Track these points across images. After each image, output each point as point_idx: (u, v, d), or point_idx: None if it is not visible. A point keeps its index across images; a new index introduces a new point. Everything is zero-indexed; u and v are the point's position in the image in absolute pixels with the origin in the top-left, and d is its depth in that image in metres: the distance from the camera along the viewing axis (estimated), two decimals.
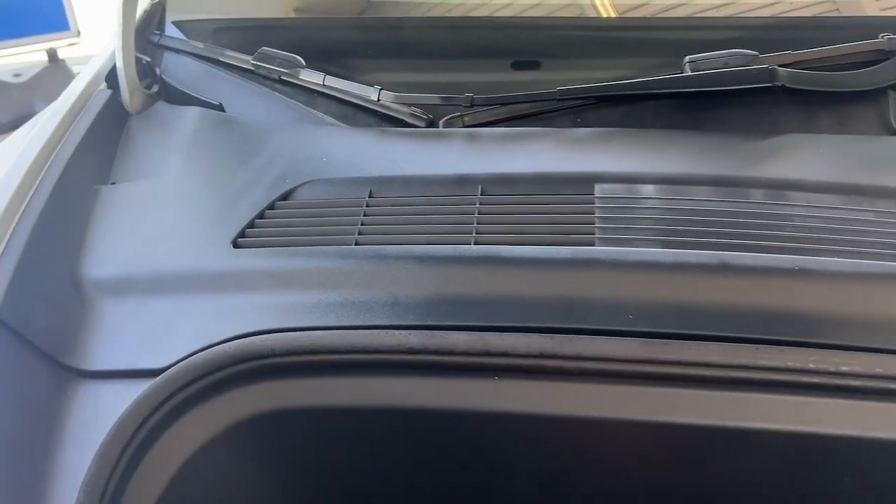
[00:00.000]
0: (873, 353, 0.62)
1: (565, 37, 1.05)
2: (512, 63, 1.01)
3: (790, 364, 0.62)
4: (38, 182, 0.81)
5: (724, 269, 0.68)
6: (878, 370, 0.62)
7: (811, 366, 0.62)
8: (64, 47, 3.58)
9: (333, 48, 1.04)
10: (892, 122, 0.84)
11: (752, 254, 0.69)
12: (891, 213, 0.73)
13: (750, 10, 1.02)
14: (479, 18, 1.14)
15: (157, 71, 1.02)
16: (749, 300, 0.67)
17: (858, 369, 0.62)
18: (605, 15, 1.09)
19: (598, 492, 0.73)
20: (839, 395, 0.63)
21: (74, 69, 3.73)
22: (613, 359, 0.64)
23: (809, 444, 0.64)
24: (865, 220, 0.72)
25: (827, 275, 0.67)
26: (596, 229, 0.73)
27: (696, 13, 1.04)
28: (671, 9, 1.05)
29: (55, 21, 3.43)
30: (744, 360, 0.63)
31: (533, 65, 1.01)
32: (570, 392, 0.66)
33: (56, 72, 3.57)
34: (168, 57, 1.05)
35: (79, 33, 3.58)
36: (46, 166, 0.83)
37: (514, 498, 0.75)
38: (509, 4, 1.13)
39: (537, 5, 1.10)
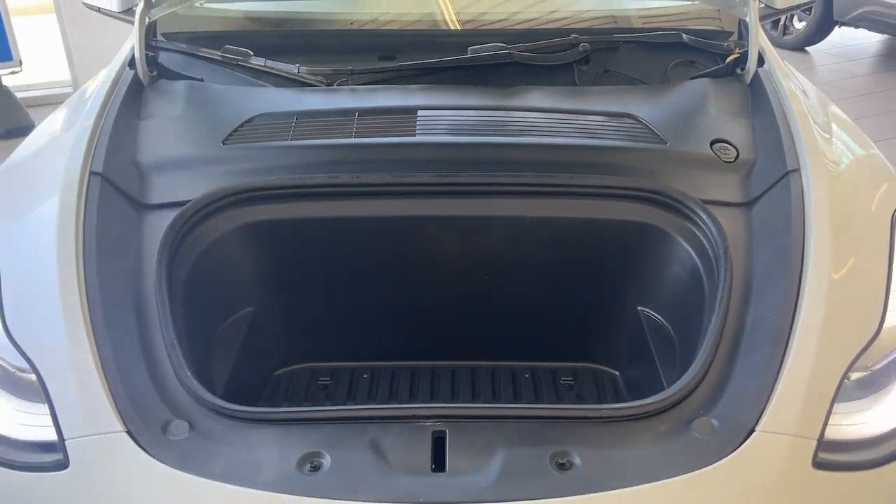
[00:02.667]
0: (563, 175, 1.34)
1: (410, 41, 1.77)
2: (378, 56, 1.71)
3: (517, 181, 1.34)
4: (105, 112, 1.44)
5: (483, 145, 1.39)
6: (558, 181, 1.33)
7: (527, 181, 1.34)
8: (7, 76, 4.06)
9: (270, 45, 1.72)
10: (576, 80, 1.59)
11: (498, 137, 1.40)
12: (574, 118, 1.45)
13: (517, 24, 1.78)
14: (360, 30, 1.84)
15: (158, 61, 1.66)
16: (493, 155, 1.38)
17: (548, 181, 1.33)
18: (434, 28, 1.83)
19: (427, 258, 1.42)
20: (543, 197, 1.34)
21: (18, 95, 4.20)
22: (423, 183, 1.34)
23: (526, 225, 1.35)
24: (561, 121, 1.45)
25: (538, 145, 1.39)
26: (416, 130, 1.42)
27: (483, 26, 1.79)
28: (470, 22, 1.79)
29: None
30: (492, 180, 1.34)
31: (391, 57, 1.71)
32: (405, 202, 1.35)
33: (0, 97, 4.04)
34: (163, 53, 1.68)
35: (21, 63, 4.06)
36: (108, 107, 1.46)
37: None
38: (376, 20, 1.84)
39: (393, 21, 1.83)
